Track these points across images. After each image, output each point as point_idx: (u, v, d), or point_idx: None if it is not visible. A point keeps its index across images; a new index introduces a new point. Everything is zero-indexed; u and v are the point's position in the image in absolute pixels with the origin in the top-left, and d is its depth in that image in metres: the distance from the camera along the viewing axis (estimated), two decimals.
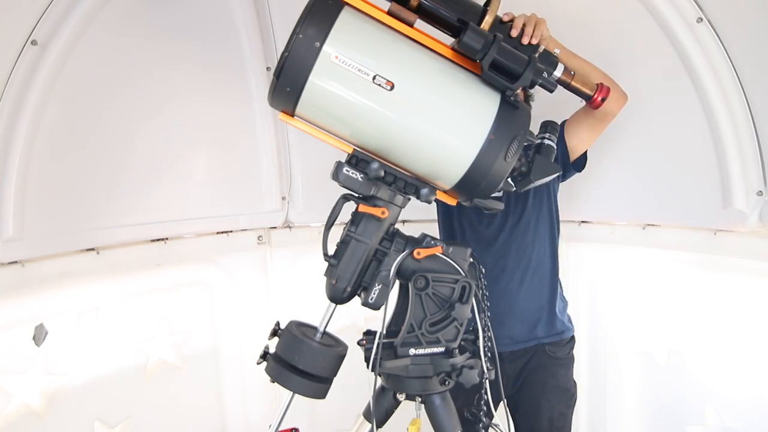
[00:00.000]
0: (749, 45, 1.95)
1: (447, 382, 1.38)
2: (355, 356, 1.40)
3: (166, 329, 2.51)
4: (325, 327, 1.41)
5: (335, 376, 1.38)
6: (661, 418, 2.49)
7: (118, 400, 2.35)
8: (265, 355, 1.38)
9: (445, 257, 1.38)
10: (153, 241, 2.45)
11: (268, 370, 1.37)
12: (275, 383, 1.35)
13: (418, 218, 2.39)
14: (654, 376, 2.49)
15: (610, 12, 2.22)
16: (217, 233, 2.68)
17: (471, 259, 1.43)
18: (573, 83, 1.47)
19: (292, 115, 1.32)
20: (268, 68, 2.60)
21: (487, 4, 1.35)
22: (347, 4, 1.26)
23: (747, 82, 1.96)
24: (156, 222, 2.44)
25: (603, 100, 1.50)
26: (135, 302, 2.40)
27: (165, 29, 2.32)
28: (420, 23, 1.36)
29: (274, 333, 1.39)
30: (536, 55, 1.36)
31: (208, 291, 2.67)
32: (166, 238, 2.48)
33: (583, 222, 2.59)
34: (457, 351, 1.40)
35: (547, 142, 1.62)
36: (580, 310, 2.54)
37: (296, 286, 2.79)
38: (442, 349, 1.37)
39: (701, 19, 1.97)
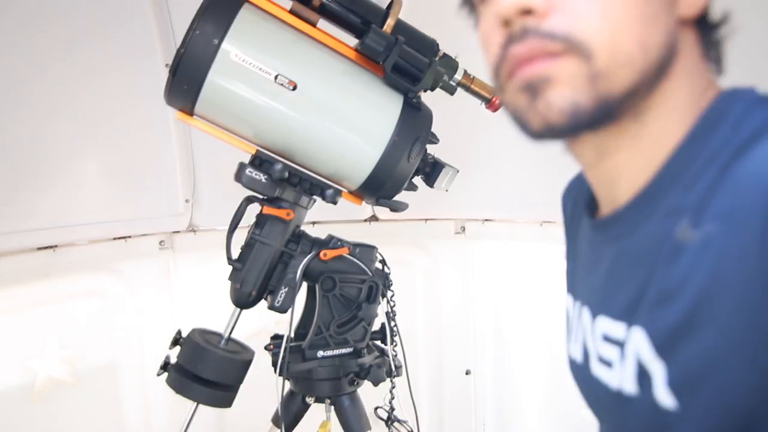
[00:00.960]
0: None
1: (356, 383, 1.39)
2: (265, 361, 1.37)
3: (55, 344, 2.32)
4: (230, 333, 1.37)
5: (241, 383, 1.34)
6: None
7: (1, 425, 2.15)
8: (165, 366, 1.32)
9: (351, 258, 1.38)
10: (40, 249, 2.26)
11: (169, 382, 1.31)
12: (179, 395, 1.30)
13: (328, 219, 2.38)
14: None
15: None
16: (114, 239, 2.52)
17: (378, 259, 1.45)
18: (473, 87, 1.52)
19: (191, 115, 1.27)
20: (166, 65, 2.48)
21: (389, 7, 1.37)
22: (247, 1, 1.23)
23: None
24: (43, 228, 2.25)
25: (501, 103, 1.56)
26: (20, 316, 2.20)
27: (59, 23, 2.15)
28: (324, 24, 1.35)
29: (176, 342, 1.33)
30: (437, 59, 1.39)
31: (105, 301, 2.50)
32: (56, 246, 2.30)
33: (486, 220, 2.70)
34: (365, 351, 1.41)
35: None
36: (488, 304, 2.65)
37: (202, 293, 2.68)
38: (350, 350, 1.38)
39: None
